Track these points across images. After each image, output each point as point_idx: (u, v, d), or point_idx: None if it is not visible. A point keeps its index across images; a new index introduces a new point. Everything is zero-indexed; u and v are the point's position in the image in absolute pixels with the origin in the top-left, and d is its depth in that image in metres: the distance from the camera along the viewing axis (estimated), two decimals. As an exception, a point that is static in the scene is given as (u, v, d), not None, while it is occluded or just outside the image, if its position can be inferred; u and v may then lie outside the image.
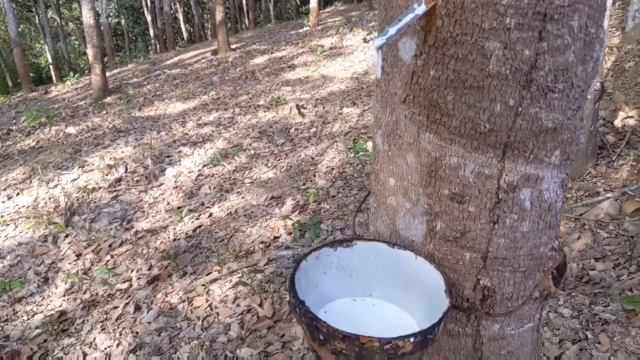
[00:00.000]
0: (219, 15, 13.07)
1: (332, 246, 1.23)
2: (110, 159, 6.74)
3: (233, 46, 13.98)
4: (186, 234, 4.69)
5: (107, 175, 6.22)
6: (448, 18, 0.91)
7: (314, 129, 6.77)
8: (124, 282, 4.12)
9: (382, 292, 1.23)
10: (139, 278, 4.12)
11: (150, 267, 4.26)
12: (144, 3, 28.74)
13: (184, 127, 7.69)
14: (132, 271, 4.26)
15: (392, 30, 0.83)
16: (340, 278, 1.24)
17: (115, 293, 3.99)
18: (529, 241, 1.08)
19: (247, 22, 32.09)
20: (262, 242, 4.19)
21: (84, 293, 4.11)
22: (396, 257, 1.20)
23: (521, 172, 1.01)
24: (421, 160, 1.07)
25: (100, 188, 5.95)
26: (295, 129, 6.95)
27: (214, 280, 3.81)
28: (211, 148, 6.71)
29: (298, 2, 30.67)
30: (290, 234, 4.20)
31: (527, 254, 1.09)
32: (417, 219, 1.16)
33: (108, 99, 10.67)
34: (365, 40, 10.44)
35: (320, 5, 15.60)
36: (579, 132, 1.01)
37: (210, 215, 4.95)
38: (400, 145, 1.12)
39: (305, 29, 15.01)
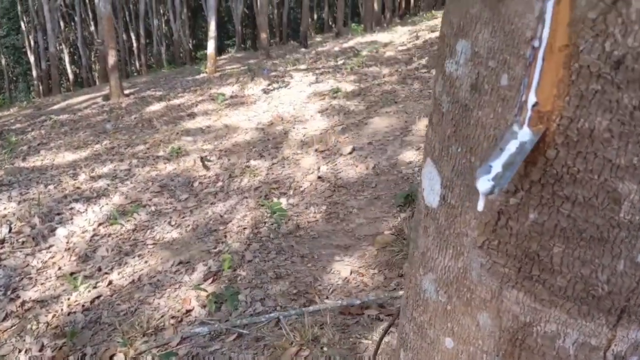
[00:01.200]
0: (112, 60, 12.49)
1: None
2: (-10, 216, 6.03)
3: (126, 91, 13.37)
4: (83, 306, 4.18)
5: (-14, 236, 5.53)
6: (566, 149, 0.68)
7: (220, 183, 6.43)
8: (9, 367, 3.56)
9: None
10: (28, 362, 3.57)
11: (42, 347, 3.71)
12: (26, 43, 27.27)
13: (75, 179, 7.08)
14: (19, 352, 3.70)
15: (497, 166, 0.58)
16: None
17: (-2, 382, 3.43)
18: None
19: (137, 65, 31.23)
20: (172, 317, 3.77)
21: (-41, 382, 3.50)
22: None
23: (632, 339, 0.78)
24: (502, 323, 0.82)
25: (-22, 251, 5.26)
26: (200, 183, 6.58)
27: (120, 365, 3.35)
28: (107, 204, 6.18)
29: (191, 47, 30.29)
30: (204, 306, 3.81)
31: None
32: (491, 401, 0.88)
33: (-14, 147, 9.75)
34: (265, 92, 10.27)
35: (217, 52, 15.37)
36: None
37: (110, 283, 4.46)
38: (469, 300, 0.86)
39: (202, 75, 14.67)
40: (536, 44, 0.63)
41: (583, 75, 0.64)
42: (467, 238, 0.83)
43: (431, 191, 0.78)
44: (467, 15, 0.75)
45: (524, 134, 0.65)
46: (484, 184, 0.59)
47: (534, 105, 0.66)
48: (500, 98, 0.73)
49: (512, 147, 0.63)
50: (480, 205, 0.65)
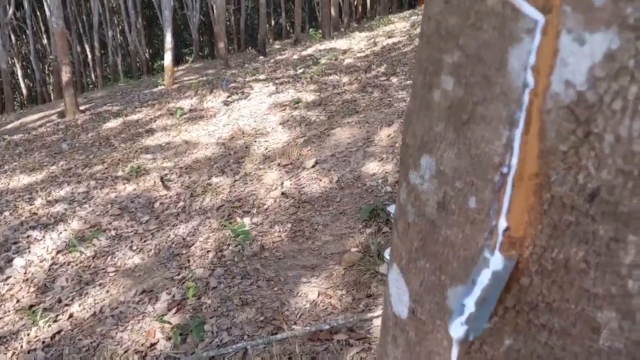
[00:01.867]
0: (66, 76, 12.18)
1: None
2: (-58, 248, 5.80)
3: (82, 107, 13.06)
4: (43, 342, 4.03)
5: (-62, 270, 5.31)
6: (541, 277, 0.63)
7: (181, 203, 6.31)
8: (-34, 414, 3.41)
9: None
10: (-15, 408, 3.43)
11: (0, 391, 3.57)
12: (-24, 58, 26.50)
13: (31, 204, 6.86)
14: (-25, 397, 3.55)
15: (470, 304, 0.53)
16: None
17: None
18: None
19: (93, 77, 30.65)
20: (137, 352, 3.66)
21: None
22: None
23: None
24: None
25: None
26: (161, 204, 6.44)
27: (83, 408, 3.24)
28: (65, 230, 6.00)
29: (148, 57, 29.83)
30: (169, 338, 3.72)
31: None
32: None
33: (-64, 171, 9.40)
34: (225, 104, 10.16)
35: (174, 62, 15.14)
36: None
37: (71, 316, 4.32)
38: None
39: (160, 88, 14.44)
40: (505, 170, 0.59)
41: (555, 205, 0.60)
42: (439, 357, 0.78)
43: (399, 301, 0.73)
44: (430, 132, 0.71)
45: (497, 262, 0.60)
46: (457, 329, 0.54)
47: (505, 230, 0.61)
48: (469, 220, 0.68)
49: (484, 278, 0.58)
50: (454, 354, 0.60)
